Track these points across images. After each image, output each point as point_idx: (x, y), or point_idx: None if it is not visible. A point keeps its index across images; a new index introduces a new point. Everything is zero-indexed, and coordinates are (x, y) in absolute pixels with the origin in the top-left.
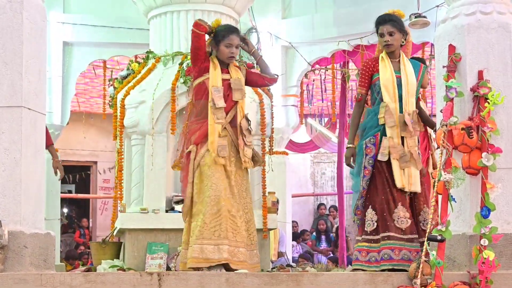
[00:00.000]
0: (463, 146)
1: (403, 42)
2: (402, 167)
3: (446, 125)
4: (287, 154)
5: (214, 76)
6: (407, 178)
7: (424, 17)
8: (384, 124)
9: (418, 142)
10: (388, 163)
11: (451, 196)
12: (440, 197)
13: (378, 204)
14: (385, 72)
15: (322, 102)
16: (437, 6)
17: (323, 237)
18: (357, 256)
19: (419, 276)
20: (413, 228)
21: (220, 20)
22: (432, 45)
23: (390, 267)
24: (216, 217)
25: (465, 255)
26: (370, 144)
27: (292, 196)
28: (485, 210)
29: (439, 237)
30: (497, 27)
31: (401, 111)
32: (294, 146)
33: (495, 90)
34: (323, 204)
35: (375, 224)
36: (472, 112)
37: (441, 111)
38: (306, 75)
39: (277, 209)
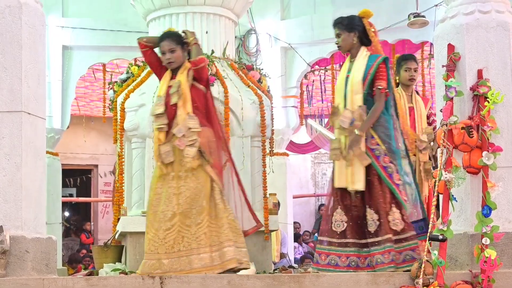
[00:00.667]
0: (464, 145)
1: (354, 40)
2: (346, 166)
3: (446, 125)
4: (287, 155)
5: (160, 86)
6: (349, 177)
7: (423, 16)
8: None
9: (372, 137)
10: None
11: (452, 195)
12: (441, 196)
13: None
14: (340, 74)
15: (322, 102)
16: (436, 5)
17: None
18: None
19: (421, 276)
20: (351, 232)
21: (173, 29)
22: (431, 44)
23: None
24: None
25: (467, 254)
26: None
27: (293, 197)
28: (486, 209)
29: (440, 237)
30: (496, 26)
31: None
32: (294, 147)
33: (494, 89)
34: (324, 204)
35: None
36: (472, 111)
37: (441, 111)
38: (305, 76)
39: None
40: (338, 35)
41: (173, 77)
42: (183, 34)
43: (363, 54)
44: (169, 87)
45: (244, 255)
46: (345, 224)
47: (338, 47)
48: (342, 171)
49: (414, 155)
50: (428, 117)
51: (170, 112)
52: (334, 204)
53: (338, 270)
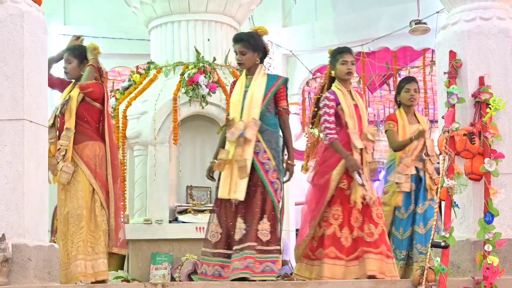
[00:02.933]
0: (466, 152)
1: (257, 60)
2: (224, 176)
3: (448, 131)
4: None
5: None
6: (233, 187)
7: (425, 23)
8: None
9: (265, 152)
10: None
11: (454, 202)
12: (443, 203)
13: None
14: (236, 89)
15: None
16: (437, 12)
17: None
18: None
19: (423, 283)
20: (222, 242)
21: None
22: (433, 51)
23: None
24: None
25: (469, 261)
26: None
27: (295, 204)
28: (489, 216)
29: (443, 244)
30: (497, 32)
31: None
32: (296, 154)
33: (496, 96)
34: None
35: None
36: (474, 118)
37: (442, 117)
38: (307, 83)
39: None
40: (242, 53)
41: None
42: (87, 49)
43: (261, 72)
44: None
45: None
46: (220, 236)
47: (239, 63)
48: (225, 182)
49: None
50: None
51: (61, 125)
52: (214, 214)
53: (206, 279)
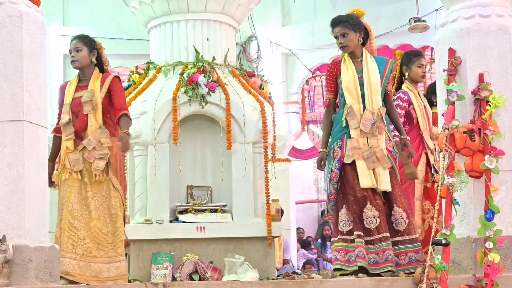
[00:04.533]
0: (466, 149)
1: (360, 40)
2: (369, 167)
3: (448, 129)
4: (289, 161)
5: (66, 94)
6: (375, 178)
7: (424, 21)
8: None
9: (390, 139)
10: (354, 164)
11: (455, 199)
12: (443, 201)
13: (350, 204)
14: (347, 73)
15: (324, 108)
16: (436, 10)
17: (328, 243)
18: (336, 256)
19: (424, 281)
20: (383, 227)
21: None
22: (432, 49)
23: (364, 266)
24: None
25: (470, 259)
26: (337, 147)
27: (296, 203)
28: (489, 213)
29: (443, 241)
30: (496, 29)
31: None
32: (296, 153)
33: (496, 93)
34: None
35: (350, 224)
36: (474, 115)
37: (442, 115)
38: (307, 82)
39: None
40: (343, 34)
41: (79, 85)
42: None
43: (367, 55)
44: (79, 97)
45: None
46: (378, 220)
47: (342, 47)
48: (365, 172)
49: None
50: None
51: (80, 121)
52: (364, 201)
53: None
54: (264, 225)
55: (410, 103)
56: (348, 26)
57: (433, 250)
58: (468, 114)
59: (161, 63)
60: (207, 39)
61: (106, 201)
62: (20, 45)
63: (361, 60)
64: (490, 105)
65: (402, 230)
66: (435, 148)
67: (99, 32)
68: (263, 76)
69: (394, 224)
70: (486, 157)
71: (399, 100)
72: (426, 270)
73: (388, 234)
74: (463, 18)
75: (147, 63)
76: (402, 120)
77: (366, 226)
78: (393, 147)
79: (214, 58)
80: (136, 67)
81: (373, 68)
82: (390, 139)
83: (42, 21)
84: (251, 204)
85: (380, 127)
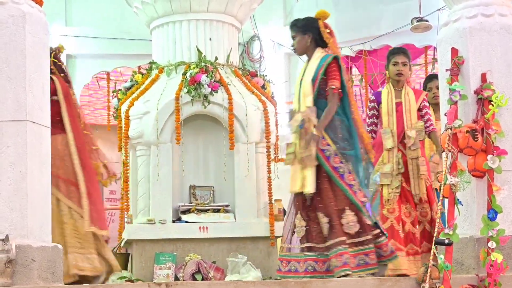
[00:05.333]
0: (468, 149)
1: (308, 42)
2: (300, 169)
3: (451, 128)
4: None
5: None
6: (301, 181)
7: (426, 20)
8: None
9: (323, 138)
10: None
11: (458, 199)
12: (446, 200)
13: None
14: (298, 77)
15: None
16: (439, 9)
17: None
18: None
19: (427, 280)
20: (309, 236)
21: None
22: (434, 48)
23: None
24: None
25: (473, 258)
26: None
27: None
28: (492, 213)
29: (446, 241)
30: (499, 29)
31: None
32: None
33: (499, 92)
34: None
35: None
36: (477, 114)
37: (445, 115)
38: None
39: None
40: (293, 37)
41: None
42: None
43: (317, 55)
44: None
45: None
46: (305, 229)
47: (293, 49)
48: (295, 176)
49: (402, 152)
50: (420, 110)
51: None
52: (295, 210)
53: (297, 276)
54: (267, 225)
55: (379, 102)
56: (295, 29)
57: (436, 250)
58: (470, 113)
59: (164, 63)
60: (210, 39)
61: None
62: (23, 45)
63: (309, 61)
64: (492, 105)
65: (326, 236)
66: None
67: (101, 32)
68: (266, 76)
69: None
70: (489, 156)
71: (369, 101)
72: (429, 269)
73: (311, 245)
74: (465, 17)
75: (150, 63)
76: (371, 120)
77: (297, 235)
78: (327, 145)
79: (216, 58)
80: (139, 67)
81: (311, 68)
82: (323, 137)
83: (44, 21)
84: (254, 204)
85: (307, 129)
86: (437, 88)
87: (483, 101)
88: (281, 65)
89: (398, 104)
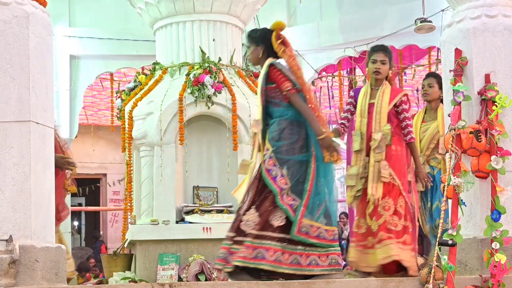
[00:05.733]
0: (472, 149)
1: (260, 54)
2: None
3: (454, 129)
4: None
5: None
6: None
7: (430, 21)
8: None
9: (268, 148)
10: None
11: (461, 200)
12: (450, 201)
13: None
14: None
15: (330, 109)
16: (443, 10)
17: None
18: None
19: (431, 281)
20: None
21: None
22: (438, 49)
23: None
24: None
25: (477, 259)
26: None
27: None
28: (496, 214)
29: (450, 242)
30: (503, 29)
31: None
32: None
33: (502, 93)
34: (344, 212)
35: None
36: (480, 115)
37: (449, 115)
38: (313, 83)
39: None
40: (248, 47)
41: None
42: None
43: (264, 66)
44: None
45: None
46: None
47: (248, 60)
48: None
49: (367, 155)
50: (399, 113)
51: None
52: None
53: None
54: None
55: (356, 101)
56: (250, 40)
57: (440, 251)
58: (474, 114)
59: (167, 64)
60: (213, 40)
61: None
62: (27, 45)
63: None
64: (496, 106)
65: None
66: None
67: (105, 33)
68: None
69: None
70: (493, 157)
71: (348, 97)
72: (433, 270)
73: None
74: (469, 18)
75: (153, 64)
76: (344, 115)
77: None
78: (267, 149)
79: (220, 59)
80: (142, 68)
81: (259, 80)
82: (267, 149)
83: (48, 22)
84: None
85: (254, 139)
86: (429, 86)
87: (486, 102)
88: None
89: (371, 106)
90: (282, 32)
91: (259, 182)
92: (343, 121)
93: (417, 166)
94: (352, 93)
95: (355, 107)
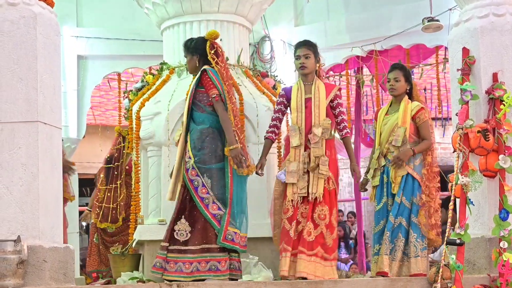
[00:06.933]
0: (480, 149)
1: (196, 63)
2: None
3: (462, 128)
4: None
5: None
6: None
7: (437, 20)
8: None
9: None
10: None
11: (469, 199)
12: (458, 200)
13: None
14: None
15: None
16: (450, 9)
17: (342, 244)
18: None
19: (439, 281)
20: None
21: None
22: (446, 48)
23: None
24: None
25: (485, 258)
26: None
27: None
28: (504, 213)
29: (458, 241)
30: (510, 28)
31: None
32: None
33: (510, 92)
34: (340, 210)
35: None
36: (488, 114)
37: (456, 114)
38: None
39: None
40: (185, 57)
41: None
42: None
43: (198, 74)
44: None
45: None
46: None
47: (186, 69)
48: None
49: (305, 150)
50: (333, 108)
51: None
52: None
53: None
54: None
55: (288, 98)
56: (185, 50)
57: (447, 250)
58: (482, 113)
59: (175, 64)
60: (220, 40)
61: None
62: (34, 46)
63: None
64: (504, 104)
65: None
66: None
67: (112, 33)
68: (276, 76)
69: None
70: (501, 156)
71: (278, 96)
72: (441, 270)
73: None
74: (477, 17)
75: (161, 64)
76: (275, 115)
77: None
78: (189, 158)
79: (227, 59)
80: (150, 68)
81: (192, 83)
82: (190, 157)
83: (56, 22)
84: (265, 204)
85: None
86: (395, 81)
87: (494, 101)
88: (291, 65)
89: (308, 100)
90: (217, 41)
91: (184, 189)
92: (275, 123)
93: (351, 160)
94: (282, 92)
95: (286, 106)
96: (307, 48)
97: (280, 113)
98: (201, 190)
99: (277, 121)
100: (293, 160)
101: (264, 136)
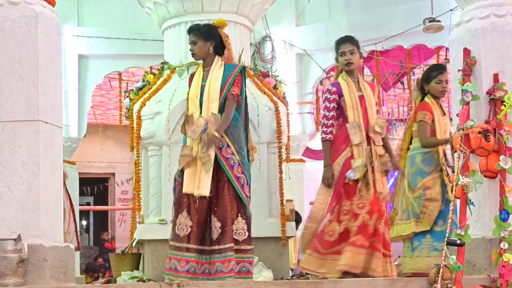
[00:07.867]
0: (480, 149)
1: (211, 50)
2: (189, 172)
3: (463, 129)
4: (304, 161)
5: None
6: (197, 183)
7: (438, 21)
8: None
9: (228, 146)
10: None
11: (470, 200)
12: (458, 201)
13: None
14: (193, 83)
15: None
16: (451, 10)
17: None
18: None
19: (439, 281)
20: (194, 237)
21: None
22: (446, 49)
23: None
24: None
25: (485, 259)
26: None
27: (310, 204)
28: (504, 213)
29: (458, 241)
30: (511, 29)
31: None
32: (311, 153)
33: (511, 93)
34: None
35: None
36: (489, 115)
37: (457, 115)
38: (321, 82)
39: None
40: (193, 42)
41: None
42: None
43: (218, 64)
44: None
45: None
46: (189, 229)
47: (192, 54)
48: (190, 177)
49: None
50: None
51: None
52: (181, 207)
53: (177, 275)
54: (279, 226)
55: (340, 95)
56: (198, 34)
57: (448, 250)
58: (483, 114)
59: (176, 63)
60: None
61: None
62: (36, 45)
63: (209, 69)
64: (505, 105)
65: (214, 240)
66: (373, 142)
67: (113, 32)
68: (277, 76)
69: (209, 233)
70: (501, 157)
71: (327, 93)
72: (441, 270)
73: (195, 246)
74: (478, 17)
75: (162, 63)
76: (331, 114)
77: (176, 232)
78: (232, 154)
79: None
80: (151, 68)
81: (216, 77)
82: (228, 146)
83: (57, 21)
84: (266, 204)
85: (209, 133)
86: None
87: (495, 102)
88: (292, 65)
89: (361, 98)
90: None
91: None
92: (331, 128)
93: (392, 156)
94: (334, 88)
95: (338, 102)
96: (351, 43)
97: (334, 111)
98: (246, 188)
99: (333, 119)
100: (358, 157)
101: (324, 138)
